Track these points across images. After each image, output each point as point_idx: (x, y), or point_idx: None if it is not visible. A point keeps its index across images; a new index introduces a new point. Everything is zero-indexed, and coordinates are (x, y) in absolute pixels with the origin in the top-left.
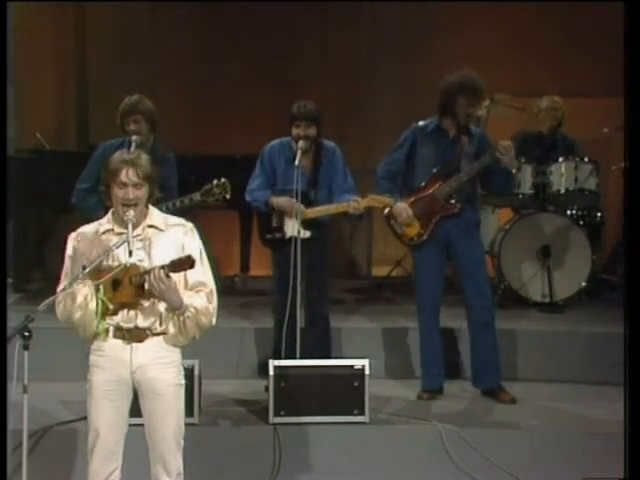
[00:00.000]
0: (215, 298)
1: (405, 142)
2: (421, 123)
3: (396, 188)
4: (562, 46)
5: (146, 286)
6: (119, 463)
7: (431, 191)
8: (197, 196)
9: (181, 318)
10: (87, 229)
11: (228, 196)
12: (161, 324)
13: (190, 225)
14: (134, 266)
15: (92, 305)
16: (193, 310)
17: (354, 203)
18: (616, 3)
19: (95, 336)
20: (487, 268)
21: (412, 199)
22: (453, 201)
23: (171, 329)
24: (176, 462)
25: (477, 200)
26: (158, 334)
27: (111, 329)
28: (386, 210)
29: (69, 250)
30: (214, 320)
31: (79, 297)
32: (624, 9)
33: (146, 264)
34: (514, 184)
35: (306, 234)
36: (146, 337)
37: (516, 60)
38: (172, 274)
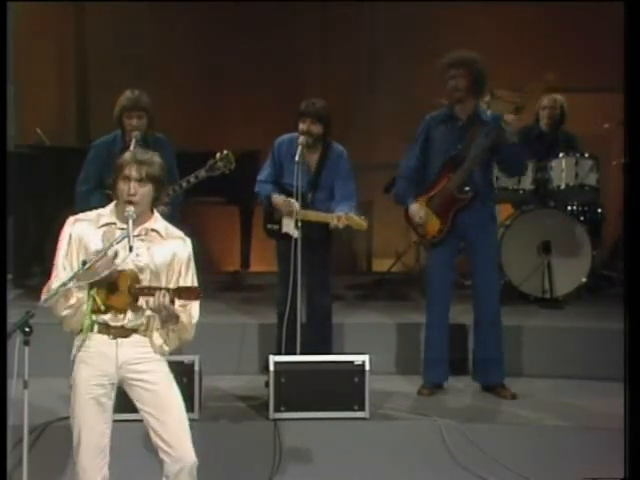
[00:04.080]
0: (197, 314)
1: (420, 135)
2: (434, 113)
3: (411, 188)
4: (562, 42)
5: (140, 301)
6: (107, 459)
7: (443, 185)
8: (202, 172)
9: (165, 329)
10: (86, 216)
11: (233, 167)
12: (146, 329)
13: (189, 240)
14: (134, 274)
15: (83, 307)
16: (179, 325)
17: (335, 219)
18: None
19: (79, 332)
20: (497, 265)
21: (427, 197)
22: (467, 188)
23: (158, 340)
24: (191, 448)
25: (493, 193)
26: (144, 335)
27: (96, 325)
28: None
29: (65, 235)
30: (192, 336)
31: (72, 299)
32: (624, 7)
33: (140, 265)
34: (524, 165)
35: (295, 233)
36: (131, 334)
37: (516, 56)
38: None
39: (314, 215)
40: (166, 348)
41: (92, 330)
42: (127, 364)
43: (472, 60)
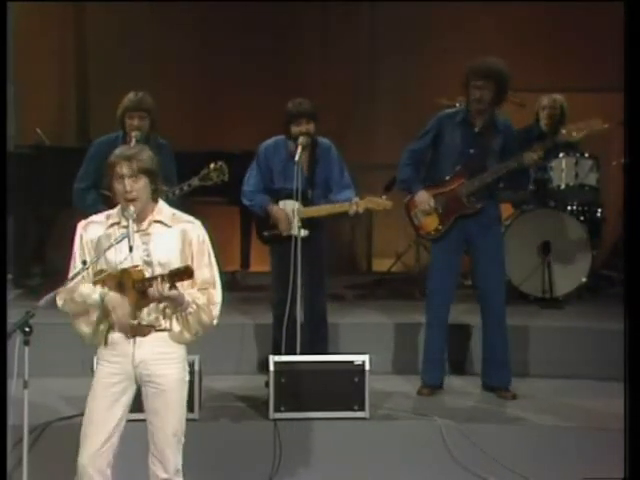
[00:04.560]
0: (219, 296)
1: (430, 130)
2: (448, 111)
3: (418, 175)
4: (562, 42)
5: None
6: (110, 459)
7: (453, 187)
8: (195, 181)
9: (183, 314)
10: (96, 219)
11: (226, 178)
12: (164, 320)
13: (199, 223)
14: (137, 270)
15: (94, 317)
16: (195, 307)
17: (353, 205)
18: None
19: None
20: (504, 266)
21: (434, 192)
22: (474, 199)
23: (175, 327)
24: (175, 459)
25: (498, 195)
26: (162, 330)
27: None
28: (407, 198)
29: (77, 239)
30: (216, 318)
31: (93, 315)
32: (624, 7)
33: (149, 259)
34: (530, 182)
35: (305, 233)
36: (149, 332)
37: (516, 56)
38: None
39: (326, 209)
40: (187, 335)
41: (106, 341)
42: (144, 363)
43: (500, 71)
